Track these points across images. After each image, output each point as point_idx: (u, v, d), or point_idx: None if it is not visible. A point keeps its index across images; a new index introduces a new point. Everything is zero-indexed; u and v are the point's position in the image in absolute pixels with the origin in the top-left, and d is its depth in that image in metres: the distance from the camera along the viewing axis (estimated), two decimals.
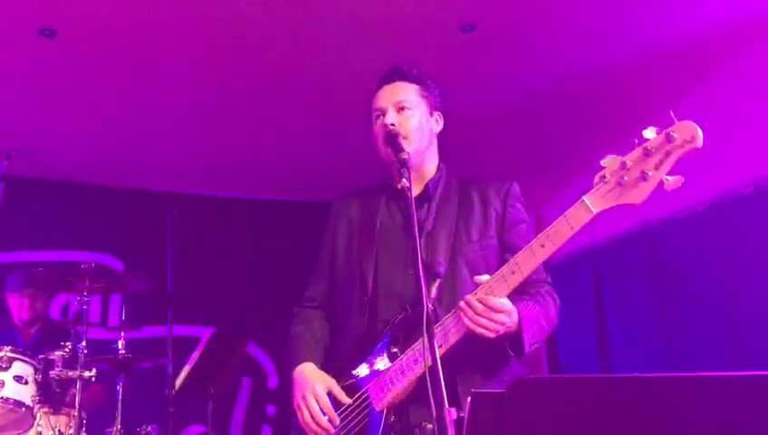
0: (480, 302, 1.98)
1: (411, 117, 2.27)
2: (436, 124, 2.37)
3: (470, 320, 1.98)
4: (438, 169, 2.37)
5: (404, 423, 2.06)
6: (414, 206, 1.96)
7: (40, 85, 4.56)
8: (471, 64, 4.55)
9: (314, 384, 2.13)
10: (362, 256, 2.27)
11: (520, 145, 5.51)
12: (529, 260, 1.97)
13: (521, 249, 2.13)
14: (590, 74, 4.64)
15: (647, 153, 1.77)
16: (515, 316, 2.03)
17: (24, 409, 3.63)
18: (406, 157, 2.11)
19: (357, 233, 2.34)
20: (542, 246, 1.95)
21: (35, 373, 3.73)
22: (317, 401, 2.11)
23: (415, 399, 2.04)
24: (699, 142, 1.75)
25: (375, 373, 2.11)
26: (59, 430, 3.89)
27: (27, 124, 4.87)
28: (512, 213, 2.29)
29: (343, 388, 2.15)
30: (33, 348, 4.30)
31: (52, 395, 4.02)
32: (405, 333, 2.10)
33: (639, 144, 1.81)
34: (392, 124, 2.23)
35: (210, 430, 4.66)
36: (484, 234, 2.26)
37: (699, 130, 1.75)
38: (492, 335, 2.00)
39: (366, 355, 2.15)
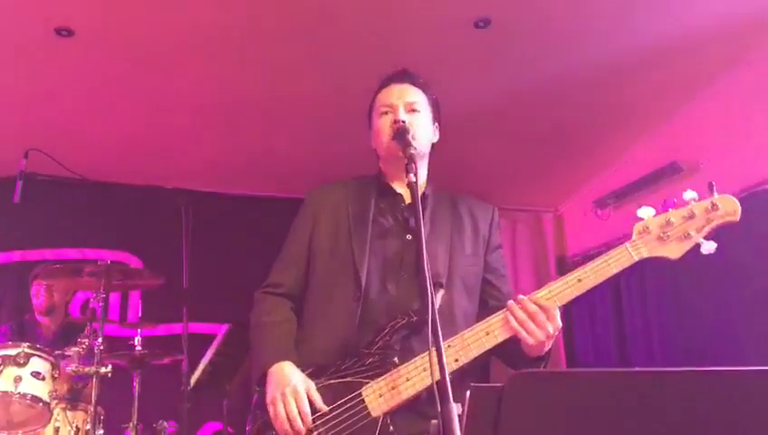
0: (536, 304, 1.99)
1: (421, 119, 2.29)
2: (435, 134, 2.36)
3: (519, 323, 1.98)
4: (429, 178, 2.36)
5: (401, 432, 1.98)
6: (420, 208, 1.92)
7: (57, 84, 4.61)
8: (485, 59, 4.54)
9: (296, 384, 2.02)
10: (357, 254, 2.18)
11: (535, 140, 5.49)
12: (564, 292, 2.00)
13: (499, 271, 2.31)
14: (607, 68, 4.62)
15: (691, 216, 1.97)
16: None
17: (41, 404, 3.66)
18: (414, 151, 2.09)
19: (348, 228, 2.24)
20: (579, 280, 2.00)
21: (52, 369, 3.77)
22: (297, 403, 2.00)
23: (413, 407, 1.99)
24: (738, 217, 1.97)
25: (369, 377, 2.02)
26: (76, 426, 3.94)
27: (45, 123, 4.92)
28: (495, 237, 2.35)
29: (323, 387, 2.05)
30: (54, 344, 4.35)
31: (69, 391, 4.07)
32: (405, 337, 2.06)
33: (679, 204, 2.01)
34: (403, 121, 2.23)
35: (226, 426, 4.69)
36: (475, 251, 2.29)
37: (738, 204, 1.98)
38: (533, 342, 1.98)
39: (356, 355, 2.06)
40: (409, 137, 2.17)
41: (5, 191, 4.04)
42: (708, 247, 1.97)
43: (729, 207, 1.98)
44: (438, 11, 4.09)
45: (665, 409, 1.20)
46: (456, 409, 1.70)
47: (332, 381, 2.06)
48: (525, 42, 4.39)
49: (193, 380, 4.29)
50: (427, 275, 1.83)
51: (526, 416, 1.31)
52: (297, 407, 2.00)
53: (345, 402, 2.02)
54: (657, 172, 5.24)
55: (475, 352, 2.00)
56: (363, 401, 2.00)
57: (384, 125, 2.27)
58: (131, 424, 4.11)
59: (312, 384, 2.05)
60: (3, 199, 4.21)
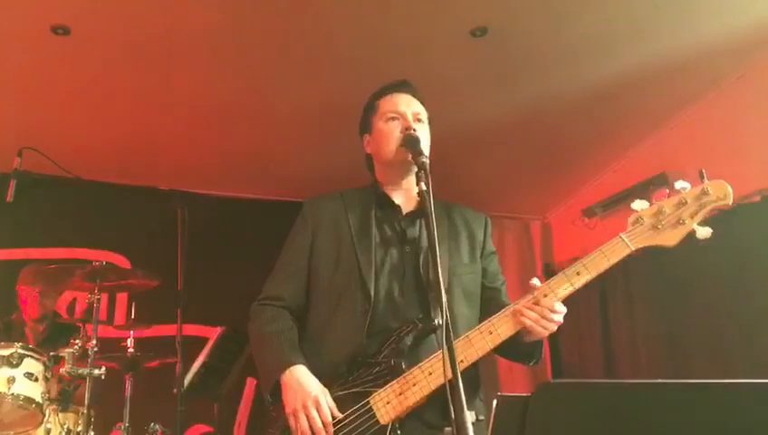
0: (540, 304, 2.05)
1: (425, 130, 2.34)
2: None
3: (532, 320, 2.03)
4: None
5: None
6: (433, 219, 1.94)
7: (53, 82, 4.57)
8: (481, 68, 4.56)
9: (317, 394, 2.04)
10: (363, 266, 2.20)
11: (525, 148, 5.54)
12: (563, 285, 2.05)
13: (498, 276, 2.37)
14: (599, 80, 4.67)
15: (682, 203, 1.97)
16: None
17: (33, 405, 3.61)
18: (426, 161, 2.10)
19: (351, 240, 2.25)
20: (578, 274, 2.04)
21: (45, 370, 3.73)
22: (319, 414, 2.03)
23: (421, 413, 2.03)
24: (730, 200, 1.98)
25: (377, 385, 2.05)
26: (68, 428, 3.90)
27: (40, 121, 4.88)
28: (490, 244, 2.41)
29: (334, 399, 2.07)
30: (41, 345, 4.31)
31: (61, 392, 4.03)
32: (411, 345, 2.08)
33: (671, 195, 2.01)
34: (414, 129, 2.26)
35: (216, 430, 4.67)
36: (473, 258, 2.34)
37: (730, 188, 1.98)
38: (546, 334, 2.06)
39: (364, 365, 2.09)
40: (421, 146, 2.20)
41: None
42: (703, 233, 1.98)
43: (720, 192, 1.99)
44: (435, 20, 4.11)
45: (693, 420, 1.22)
46: (470, 417, 1.72)
47: (342, 393, 2.08)
48: (521, 52, 4.43)
49: (185, 382, 4.27)
50: (441, 286, 1.85)
51: (551, 426, 1.33)
52: (321, 417, 2.02)
53: (354, 411, 2.05)
54: (646, 183, 5.30)
55: (479, 352, 2.04)
56: (371, 409, 2.03)
57: (392, 131, 2.30)
58: (123, 426, 4.08)
59: (326, 392, 2.07)
60: None
